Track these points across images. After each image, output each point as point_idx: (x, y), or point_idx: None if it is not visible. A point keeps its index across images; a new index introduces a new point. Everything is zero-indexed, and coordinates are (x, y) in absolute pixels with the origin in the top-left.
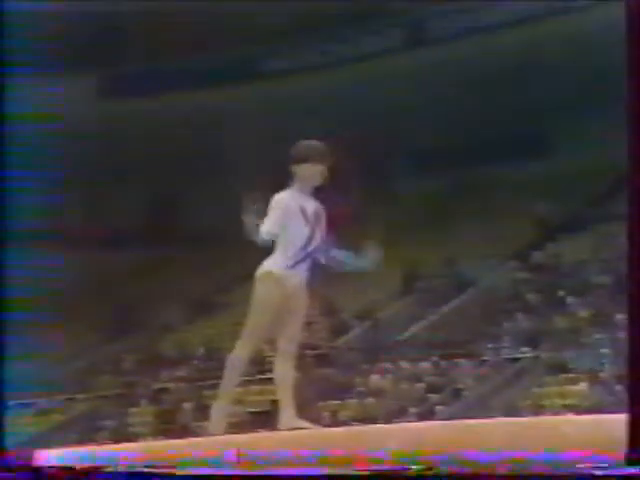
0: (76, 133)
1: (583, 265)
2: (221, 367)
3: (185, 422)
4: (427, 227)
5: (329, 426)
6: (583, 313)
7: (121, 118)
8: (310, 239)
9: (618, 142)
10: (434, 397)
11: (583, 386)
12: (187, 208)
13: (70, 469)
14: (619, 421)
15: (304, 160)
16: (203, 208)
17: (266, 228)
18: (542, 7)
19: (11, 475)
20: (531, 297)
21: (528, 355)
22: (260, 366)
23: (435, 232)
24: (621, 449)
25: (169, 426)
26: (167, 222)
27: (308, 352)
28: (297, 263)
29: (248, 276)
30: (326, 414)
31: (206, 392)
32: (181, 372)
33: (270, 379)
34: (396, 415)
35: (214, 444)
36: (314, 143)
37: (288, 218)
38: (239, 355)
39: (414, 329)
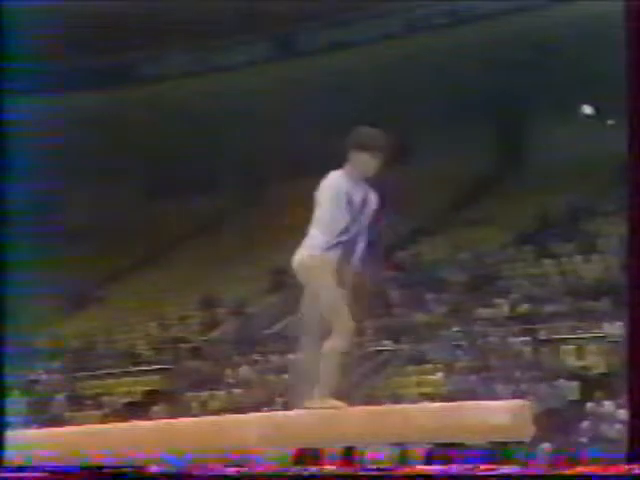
0: None
1: (441, 264)
2: (94, 360)
3: (57, 412)
4: (291, 230)
5: (197, 416)
6: (440, 309)
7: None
8: (348, 228)
9: (483, 151)
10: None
11: (439, 376)
12: (66, 204)
13: None
14: (472, 408)
15: (364, 149)
16: (82, 205)
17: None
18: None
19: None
20: (394, 294)
21: (390, 348)
22: (133, 358)
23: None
24: (472, 434)
25: (40, 416)
26: (47, 218)
27: (182, 345)
28: (331, 248)
29: (124, 272)
30: (195, 404)
31: (78, 384)
32: (55, 364)
33: (143, 371)
34: (264, 405)
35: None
36: (378, 133)
37: (335, 203)
38: (338, 347)
39: (282, 323)
